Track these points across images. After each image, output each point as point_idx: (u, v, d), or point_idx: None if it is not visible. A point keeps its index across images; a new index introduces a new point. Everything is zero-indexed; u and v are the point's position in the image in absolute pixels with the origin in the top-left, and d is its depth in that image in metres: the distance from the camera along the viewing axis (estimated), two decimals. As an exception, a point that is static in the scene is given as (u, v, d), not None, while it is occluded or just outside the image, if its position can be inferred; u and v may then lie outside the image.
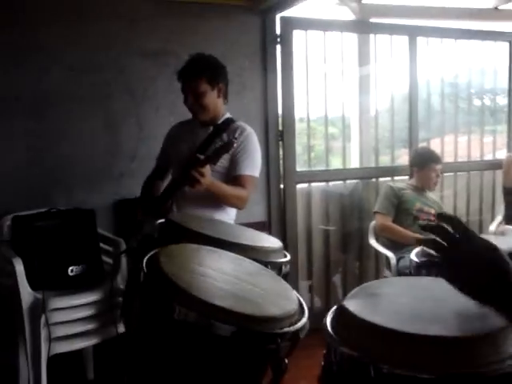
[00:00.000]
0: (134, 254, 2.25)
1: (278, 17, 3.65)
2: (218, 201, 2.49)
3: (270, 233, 3.73)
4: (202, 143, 2.60)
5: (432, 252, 1.10)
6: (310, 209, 3.96)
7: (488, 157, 4.68)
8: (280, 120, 3.75)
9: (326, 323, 1.17)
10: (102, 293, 2.64)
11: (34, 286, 2.53)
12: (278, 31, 3.66)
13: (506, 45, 4.53)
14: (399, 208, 3.69)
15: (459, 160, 4.50)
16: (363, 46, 4.17)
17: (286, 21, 3.67)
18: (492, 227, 4.21)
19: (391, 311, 1.14)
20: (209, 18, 3.49)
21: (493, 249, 1.03)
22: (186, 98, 2.60)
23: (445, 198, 4.24)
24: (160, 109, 3.40)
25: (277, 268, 1.70)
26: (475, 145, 4.61)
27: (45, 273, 2.60)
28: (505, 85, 4.61)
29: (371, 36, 4.11)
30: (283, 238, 3.75)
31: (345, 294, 1.34)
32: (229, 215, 2.61)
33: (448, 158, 4.36)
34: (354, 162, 4.30)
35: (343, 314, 1.15)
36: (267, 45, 3.66)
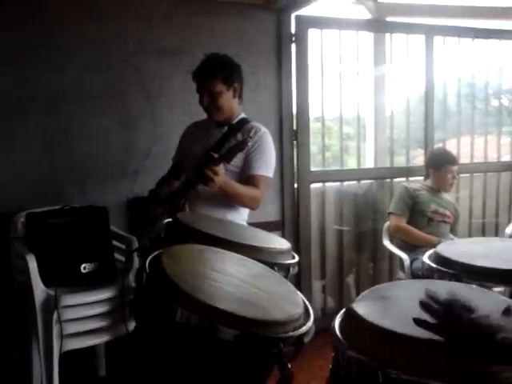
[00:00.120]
0: (146, 252, 2.26)
1: (293, 15, 3.63)
2: (230, 200, 2.48)
3: (283, 232, 3.73)
4: (217, 142, 2.60)
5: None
6: (323, 209, 3.94)
7: (505, 158, 4.62)
8: (294, 119, 3.74)
9: (334, 326, 1.15)
10: (114, 290, 2.64)
11: (46, 282, 2.54)
12: (293, 30, 3.65)
13: (526, 44, 4.47)
14: (414, 209, 3.66)
15: (475, 161, 4.45)
16: (379, 46, 4.14)
17: (301, 19, 3.65)
18: (508, 230, 4.14)
19: (401, 315, 1.13)
20: (224, 16, 3.48)
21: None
22: (202, 98, 2.59)
23: (460, 199, 4.20)
24: (174, 107, 3.40)
25: (284, 269, 1.69)
26: (492, 146, 4.55)
27: (58, 270, 2.61)
28: (524, 85, 4.56)
29: (387, 35, 4.08)
30: (296, 238, 3.75)
31: (358, 295, 1.32)
32: (241, 215, 2.60)
33: (464, 159, 4.31)
34: (369, 162, 4.27)
35: (352, 317, 1.15)
36: (282, 44, 3.65)
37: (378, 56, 4.16)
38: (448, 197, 3.84)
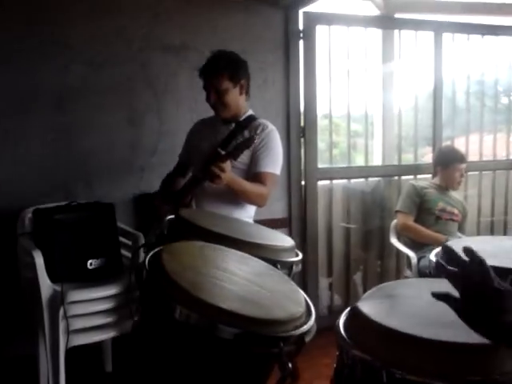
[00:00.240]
0: (152, 249, 2.25)
1: (300, 12, 3.62)
2: (237, 197, 2.48)
3: (290, 230, 3.72)
4: (224, 139, 2.59)
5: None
6: (331, 206, 3.93)
7: (515, 156, 4.59)
8: (302, 116, 3.72)
9: (338, 325, 1.15)
10: (121, 286, 2.65)
11: (53, 278, 2.55)
12: (300, 26, 3.63)
13: (536, 41, 4.43)
14: (421, 207, 3.64)
15: (484, 159, 4.42)
16: (387, 42, 4.12)
17: (309, 16, 3.64)
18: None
19: (406, 315, 1.12)
20: (231, 12, 3.47)
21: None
22: (208, 95, 2.58)
23: (469, 197, 4.17)
24: (181, 104, 3.40)
25: (287, 267, 1.67)
26: (501, 144, 4.52)
27: (64, 265, 2.61)
28: (534, 82, 4.51)
29: (395, 32, 4.05)
30: (303, 235, 3.74)
31: (365, 293, 1.31)
32: (247, 212, 2.59)
33: (473, 157, 4.28)
34: (377, 160, 4.25)
35: (357, 316, 1.14)
36: (290, 40, 3.63)
37: (386, 53, 4.13)
38: (456, 195, 3.81)
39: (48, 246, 2.61)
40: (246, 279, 1.36)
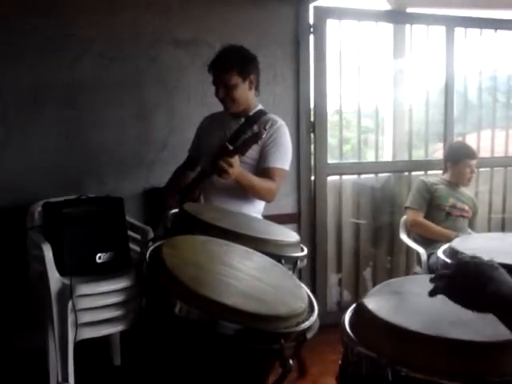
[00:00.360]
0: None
1: (311, 6, 3.59)
2: (245, 192, 2.47)
3: (299, 225, 3.71)
4: (233, 134, 2.59)
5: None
6: (340, 202, 3.91)
7: (527, 152, 4.54)
8: (312, 111, 3.71)
9: (343, 321, 1.14)
10: (129, 280, 2.66)
11: (62, 271, 2.57)
12: (311, 21, 3.61)
13: (550, 36, 4.37)
14: (431, 203, 3.61)
15: (496, 155, 4.38)
16: (399, 37, 4.08)
17: (319, 10, 3.61)
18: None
19: (413, 311, 1.11)
20: (241, 7, 3.46)
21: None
22: (218, 90, 2.58)
23: (480, 193, 4.14)
24: (191, 98, 3.39)
25: (292, 262, 1.66)
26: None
27: (73, 259, 2.63)
28: (547, 78, 4.45)
29: (407, 26, 4.00)
30: (313, 231, 3.73)
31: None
32: (256, 208, 2.59)
33: (485, 153, 4.24)
34: (387, 156, 4.23)
35: (362, 312, 1.13)
36: (300, 34, 3.61)
37: (397, 48, 4.09)
38: (467, 191, 3.78)
39: (57, 239, 2.62)
40: (250, 275, 1.34)
